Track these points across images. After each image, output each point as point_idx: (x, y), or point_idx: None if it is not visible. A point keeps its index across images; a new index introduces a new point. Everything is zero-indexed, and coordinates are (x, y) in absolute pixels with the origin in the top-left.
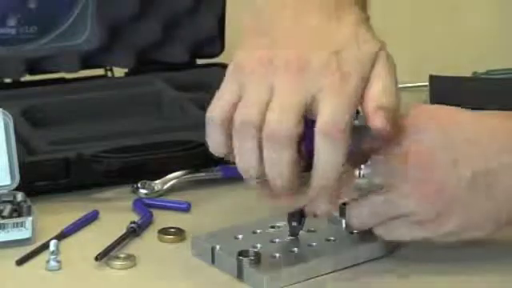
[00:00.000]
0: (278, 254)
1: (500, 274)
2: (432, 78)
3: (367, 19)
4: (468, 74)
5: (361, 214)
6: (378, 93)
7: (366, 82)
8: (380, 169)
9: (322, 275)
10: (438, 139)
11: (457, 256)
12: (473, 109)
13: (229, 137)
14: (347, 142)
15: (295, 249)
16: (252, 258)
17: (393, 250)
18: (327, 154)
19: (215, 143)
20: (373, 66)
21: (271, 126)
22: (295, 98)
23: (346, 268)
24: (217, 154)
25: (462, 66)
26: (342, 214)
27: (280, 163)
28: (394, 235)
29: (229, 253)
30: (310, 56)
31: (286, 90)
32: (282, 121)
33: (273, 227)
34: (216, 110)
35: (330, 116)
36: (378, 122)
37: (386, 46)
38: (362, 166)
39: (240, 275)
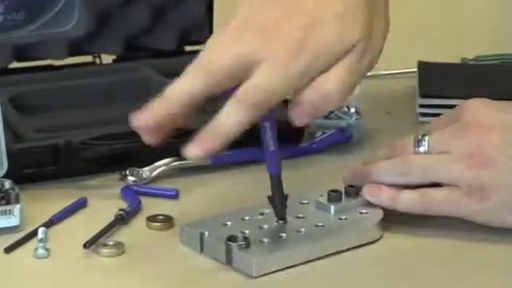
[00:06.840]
0: (266, 240)
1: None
2: (421, 65)
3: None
4: (457, 60)
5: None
6: (319, 94)
7: (324, 68)
8: (438, 138)
9: (311, 261)
10: (498, 119)
11: (448, 245)
12: (461, 96)
13: None
14: (254, 118)
15: (283, 234)
16: (241, 242)
17: (381, 236)
18: (227, 118)
19: None
20: (344, 55)
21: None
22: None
23: (335, 253)
24: None
25: (450, 53)
26: (348, 194)
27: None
28: (433, 202)
29: (217, 239)
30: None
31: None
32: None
33: (262, 214)
34: None
35: (256, 87)
36: (298, 116)
37: (383, 35)
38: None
39: (229, 261)
